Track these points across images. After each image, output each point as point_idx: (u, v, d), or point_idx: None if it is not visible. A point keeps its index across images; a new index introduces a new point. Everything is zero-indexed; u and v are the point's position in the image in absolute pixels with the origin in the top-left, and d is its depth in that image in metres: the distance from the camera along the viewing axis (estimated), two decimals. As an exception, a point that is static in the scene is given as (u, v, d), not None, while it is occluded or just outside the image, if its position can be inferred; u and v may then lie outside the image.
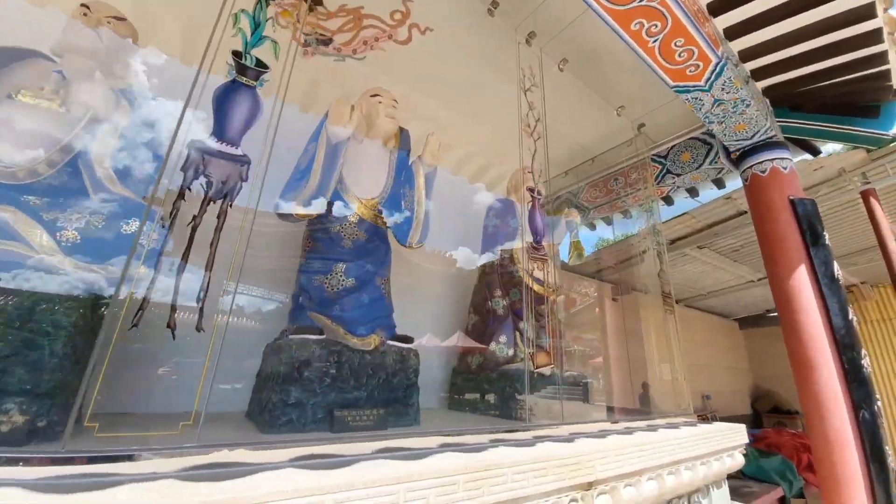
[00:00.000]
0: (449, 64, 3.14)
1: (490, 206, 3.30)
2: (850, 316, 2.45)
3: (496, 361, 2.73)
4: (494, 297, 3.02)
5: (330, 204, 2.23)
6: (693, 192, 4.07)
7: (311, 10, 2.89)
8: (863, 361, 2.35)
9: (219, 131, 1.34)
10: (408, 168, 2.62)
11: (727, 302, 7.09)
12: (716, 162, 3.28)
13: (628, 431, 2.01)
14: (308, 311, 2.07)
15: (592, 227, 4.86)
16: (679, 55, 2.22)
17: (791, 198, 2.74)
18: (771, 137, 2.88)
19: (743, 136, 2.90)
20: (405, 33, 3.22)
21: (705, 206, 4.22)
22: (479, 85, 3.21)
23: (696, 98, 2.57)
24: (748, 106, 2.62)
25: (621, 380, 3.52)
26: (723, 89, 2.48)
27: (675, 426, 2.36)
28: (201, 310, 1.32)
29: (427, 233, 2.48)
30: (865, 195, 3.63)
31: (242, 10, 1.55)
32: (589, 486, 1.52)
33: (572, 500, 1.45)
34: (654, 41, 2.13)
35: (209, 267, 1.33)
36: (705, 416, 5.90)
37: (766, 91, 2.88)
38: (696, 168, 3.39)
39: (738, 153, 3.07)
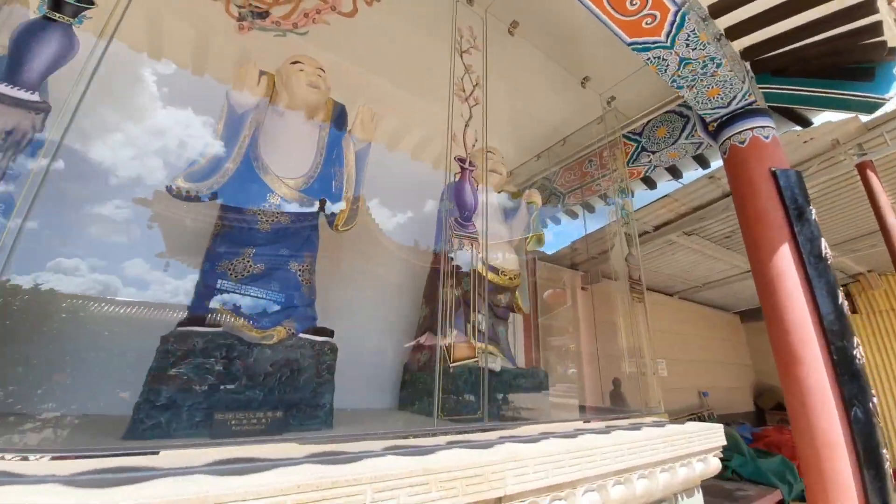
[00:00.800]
0: (396, 36, 2.89)
1: (445, 188, 3.04)
2: (841, 301, 2.13)
3: (444, 357, 2.47)
4: (445, 287, 2.76)
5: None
6: (675, 172, 3.76)
7: (240, -22, 2.66)
8: (855, 352, 2.04)
9: (9, 74, 1.10)
10: (340, 146, 2.38)
11: (725, 294, 6.71)
12: (693, 136, 2.98)
13: (571, 434, 1.73)
14: (206, 301, 1.83)
15: (573, 214, 4.57)
16: (630, 3, 1.94)
17: (773, 169, 2.43)
18: (750, 104, 2.58)
19: (718, 102, 2.60)
20: (349, 5, 2.98)
21: (688, 188, 3.90)
22: (433, 60, 2.97)
23: (659, 58, 2.29)
24: (719, 66, 2.32)
25: (592, 375, 3.23)
26: (687, 45, 2.19)
27: (637, 427, 2.07)
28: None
29: (356, 215, 2.23)
30: (862, 168, 3.27)
31: None
32: (497, 502, 1.25)
33: (475, 521, 1.18)
34: (601, -13, 1.86)
35: None
36: (701, 415, 5.55)
37: (745, 53, 2.59)
38: (673, 144, 3.09)
39: (715, 124, 2.76)
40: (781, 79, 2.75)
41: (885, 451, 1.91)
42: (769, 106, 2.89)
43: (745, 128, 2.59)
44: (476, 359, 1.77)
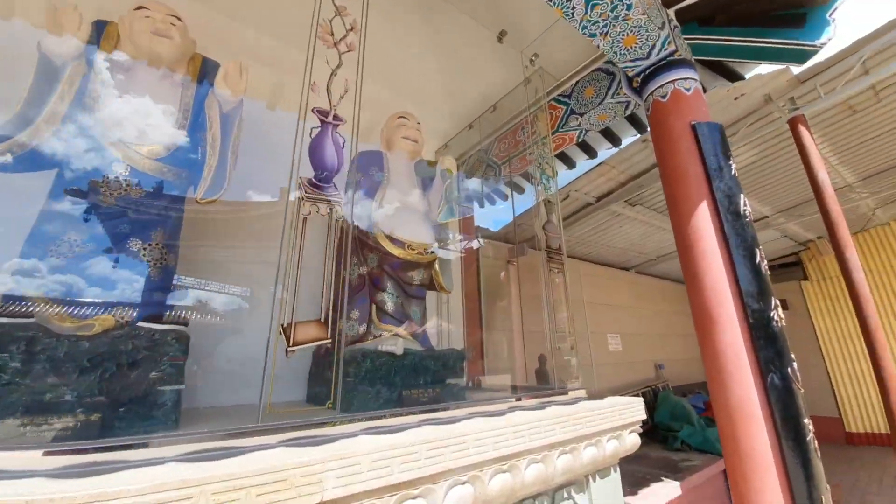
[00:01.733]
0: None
1: (353, 159, 2.75)
2: (759, 260, 1.98)
3: (348, 341, 2.23)
4: (350, 266, 2.51)
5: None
6: (613, 138, 3.57)
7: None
8: (773, 314, 1.89)
9: None
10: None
11: (679, 267, 6.69)
12: (618, 94, 2.77)
13: (449, 420, 1.53)
14: (22, 286, 1.53)
15: (518, 188, 4.36)
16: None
17: (692, 123, 2.24)
18: (671, 54, 2.37)
19: (637, 53, 2.38)
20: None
21: (623, 153, 3.71)
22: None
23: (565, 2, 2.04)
24: (629, 7, 2.10)
25: (519, 353, 3.06)
26: None
27: (543, 406, 1.88)
28: None
29: (223, 184, 1.94)
30: (793, 123, 3.14)
31: None
32: None
33: (273, 536, 0.96)
34: None
35: None
36: (655, 387, 5.54)
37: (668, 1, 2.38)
38: (600, 104, 2.87)
39: (638, 79, 2.55)
40: (708, 29, 2.56)
41: (807, 420, 1.78)
42: (697, 60, 2.70)
43: (666, 80, 2.38)
44: (328, 340, 1.54)
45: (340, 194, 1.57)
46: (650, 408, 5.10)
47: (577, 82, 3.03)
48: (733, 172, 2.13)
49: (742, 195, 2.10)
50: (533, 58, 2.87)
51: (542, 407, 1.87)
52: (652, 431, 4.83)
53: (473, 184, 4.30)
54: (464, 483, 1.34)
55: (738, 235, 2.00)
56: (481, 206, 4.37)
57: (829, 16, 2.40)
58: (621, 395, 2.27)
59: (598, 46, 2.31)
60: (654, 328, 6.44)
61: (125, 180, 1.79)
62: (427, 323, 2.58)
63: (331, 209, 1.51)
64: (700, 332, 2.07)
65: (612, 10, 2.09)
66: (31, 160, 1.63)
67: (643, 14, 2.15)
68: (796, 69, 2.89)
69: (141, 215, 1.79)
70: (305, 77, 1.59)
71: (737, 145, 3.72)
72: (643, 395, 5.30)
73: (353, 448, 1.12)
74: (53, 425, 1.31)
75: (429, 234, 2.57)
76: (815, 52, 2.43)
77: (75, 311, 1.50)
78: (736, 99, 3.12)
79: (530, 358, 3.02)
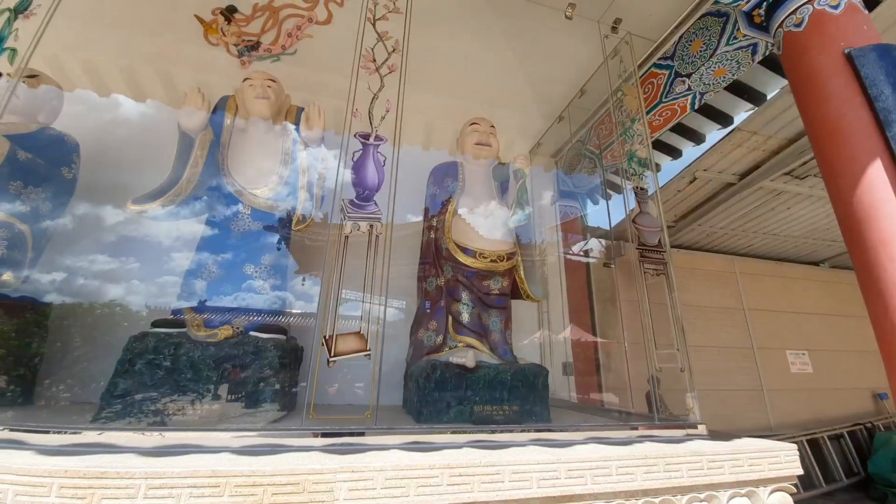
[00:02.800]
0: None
1: (431, 171, 2.85)
2: None
3: (422, 351, 2.30)
4: (429, 277, 2.56)
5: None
6: (752, 95, 2.75)
7: (228, 21, 3.00)
8: None
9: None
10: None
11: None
12: (736, 37, 2.10)
13: (499, 445, 1.39)
14: (181, 301, 2.08)
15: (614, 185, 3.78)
16: None
17: (847, 50, 1.55)
18: (808, -38, 1.71)
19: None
20: (324, 13, 3.08)
21: (766, 113, 2.70)
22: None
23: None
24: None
25: (624, 370, 2.55)
26: None
27: (630, 442, 1.54)
28: None
29: (312, 211, 2.25)
30: None
31: None
32: None
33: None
34: None
35: None
36: (874, 425, 3.86)
37: None
38: (711, 56, 2.23)
39: (761, 11, 1.93)
40: None
41: None
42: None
43: (799, 3, 1.72)
44: (367, 352, 1.57)
45: (381, 210, 1.63)
46: (862, 453, 3.61)
47: (680, 38, 2.45)
48: (939, 109, 1.38)
49: (962, 142, 1.34)
50: (615, 25, 2.46)
51: (629, 442, 1.54)
52: (865, 485, 3.40)
53: (576, 180, 3.91)
54: (498, 520, 1.20)
55: (954, 206, 1.28)
56: (594, 202, 3.91)
57: None
58: (789, 437, 1.68)
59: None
60: (869, 343, 4.52)
61: (247, 217, 2.26)
62: (509, 333, 2.44)
63: (371, 226, 1.59)
64: (884, 346, 1.40)
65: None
66: (178, 203, 2.20)
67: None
68: None
69: (254, 244, 2.23)
70: (348, 104, 1.73)
71: None
72: (852, 435, 3.79)
73: (369, 463, 1.13)
74: (196, 411, 1.73)
75: (503, 242, 2.44)
76: None
77: (209, 322, 1.96)
78: None
79: (640, 377, 2.53)
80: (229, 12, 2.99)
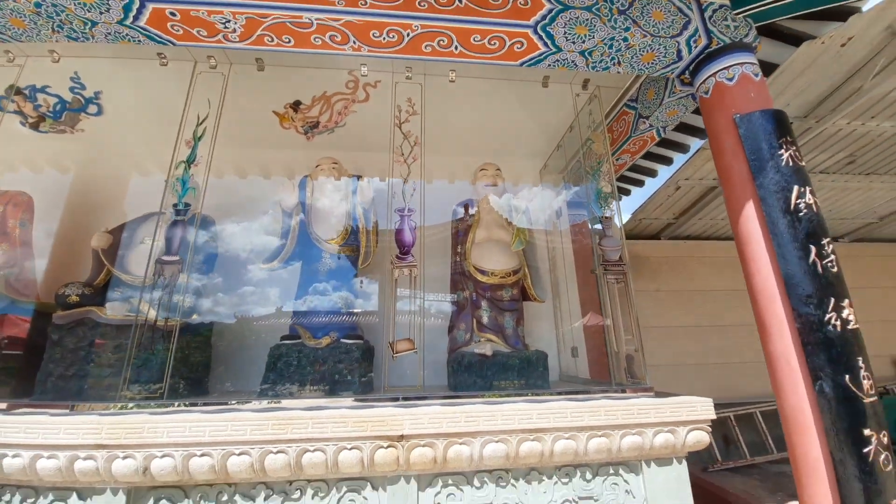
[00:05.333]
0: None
1: (454, 209, 3.72)
2: (813, 258, 1.83)
3: (455, 346, 3.21)
4: (458, 290, 3.45)
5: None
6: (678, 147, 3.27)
7: (296, 111, 4.09)
8: (828, 316, 1.76)
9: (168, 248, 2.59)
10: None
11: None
12: (674, 92, 2.69)
13: (496, 403, 2.26)
14: (294, 319, 3.17)
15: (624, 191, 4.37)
16: (489, 41, 2.28)
17: (735, 116, 2.16)
18: (706, 48, 2.31)
19: (664, 62, 2.41)
20: (362, 94, 4.05)
21: None
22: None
23: (557, 62, 2.42)
24: (626, 39, 2.27)
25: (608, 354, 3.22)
26: (568, 38, 2.27)
27: (587, 399, 2.32)
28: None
29: (369, 256, 3.23)
30: None
31: (177, 178, 2.76)
32: (399, 438, 2.02)
33: (382, 448, 1.99)
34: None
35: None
36: (889, 389, 4.09)
37: None
38: (660, 104, 2.83)
39: (687, 75, 2.54)
40: (769, -8, 2.30)
41: (868, 431, 1.62)
42: (765, 25, 2.43)
43: (706, 75, 2.31)
44: (413, 349, 2.49)
45: (415, 259, 2.54)
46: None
47: (640, 86, 3.06)
48: (786, 163, 1.98)
49: (798, 187, 1.94)
50: (585, 83, 3.13)
51: (586, 399, 2.33)
52: None
53: (579, 191, 4.54)
54: (496, 442, 2.08)
55: (784, 234, 1.91)
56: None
57: None
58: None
59: (619, 73, 2.51)
60: (888, 312, 4.60)
61: (328, 258, 3.31)
62: (521, 328, 3.26)
63: (409, 271, 2.51)
64: (761, 337, 2.05)
65: (609, 48, 2.31)
66: (287, 260, 3.28)
67: (645, 36, 2.26)
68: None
69: (337, 277, 3.26)
70: (388, 190, 2.66)
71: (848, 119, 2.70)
72: None
73: (422, 408, 2.07)
74: (313, 392, 2.79)
75: (509, 262, 3.25)
76: None
77: (315, 334, 3.02)
78: (843, 45, 2.38)
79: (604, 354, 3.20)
80: (296, 105, 4.08)
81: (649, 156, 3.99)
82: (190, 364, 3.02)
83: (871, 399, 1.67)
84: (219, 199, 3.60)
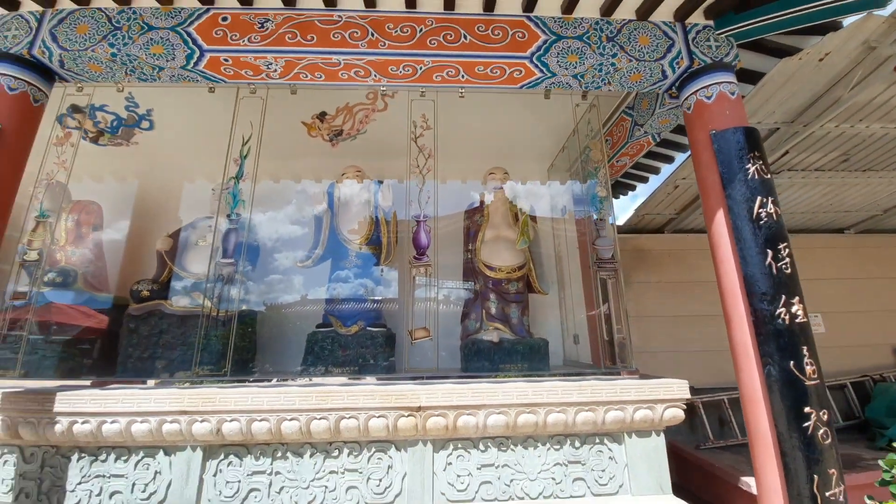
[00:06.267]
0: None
1: (465, 210, 4.08)
2: (769, 261, 2.12)
3: (467, 333, 3.62)
4: (469, 283, 3.84)
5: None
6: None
7: (322, 120, 4.50)
8: (779, 311, 2.06)
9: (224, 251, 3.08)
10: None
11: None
12: (664, 103, 2.94)
13: (499, 382, 2.66)
14: (327, 310, 3.64)
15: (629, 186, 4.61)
16: (491, 69, 2.60)
17: (711, 132, 2.43)
18: (689, 68, 2.56)
19: (651, 81, 2.66)
20: (381, 104, 4.42)
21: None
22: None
23: (553, 84, 2.70)
24: (614, 66, 2.54)
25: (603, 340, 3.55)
26: (561, 65, 2.56)
27: (577, 380, 2.69)
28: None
29: (390, 254, 3.65)
30: None
31: (228, 192, 3.20)
32: (417, 409, 2.45)
33: (403, 417, 2.43)
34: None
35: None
36: (884, 377, 4.25)
37: (679, 12, 2.56)
38: (653, 114, 3.08)
39: (675, 90, 2.79)
40: (746, 14, 2.52)
41: (809, 409, 1.94)
42: (746, 45, 2.66)
43: (688, 93, 2.56)
44: (429, 336, 2.90)
45: (430, 259, 2.94)
46: (866, 401, 4.11)
47: (636, 95, 3.30)
48: (752, 176, 2.25)
49: (761, 197, 2.22)
50: (584, 94, 3.39)
51: (575, 380, 2.70)
52: (863, 427, 3.95)
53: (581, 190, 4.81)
54: (498, 413, 2.48)
55: (747, 239, 2.19)
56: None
57: None
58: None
59: (610, 91, 2.79)
60: (890, 302, 4.68)
61: (354, 255, 3.75)
62: (526, 318, 3.63)
63: (426, 270, 2.91)
64: (727, 328, 2.35)
65: (599, 71, 2.59)
66: (319, 259, 3.74)
67: (631, 61, 2.52)
68: (881, 11, 2.23)
69: (362, 273, 3.70)
70: (406, 199, 3.04)
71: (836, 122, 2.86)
72: (859, 385, 4.25)
73: (436, 386, 2.49)
74: (343, 371, 3.26)
75: (514, 258, 3.60)
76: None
77: (345, 323, 3.48)
78: (821, 60, 2.54)
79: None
80: (322, 116, 4.48)
81: (651, 154, 4.21)
82: (238, 348, 3.54)
83: (814, 382, 1.98)
84: (259, 203, 4.08)
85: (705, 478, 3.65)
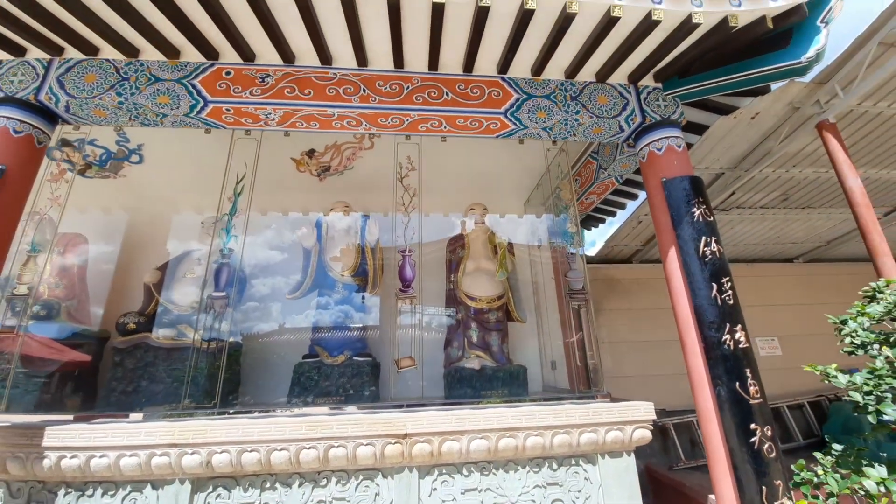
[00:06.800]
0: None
1: (447, 241, 4.32)
2: (714, 293, 2.41)
3: (450, 361, 3.77)
4: (451, 311, 4.04)
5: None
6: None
7: (310, 157, 4.73)
8: (724, 338, 2.33)
9: (216, 284, 3.18)
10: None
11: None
12: (623, 151, 3.32)
13: (481, 406, 2.81)
14: (313, 340, 3.74)
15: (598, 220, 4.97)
16: (470, 121, 2.91)
17: (662, 179, 2.77)
18: (641, 124, 2.93)
19: (609, 133, 3.03)
20: (368, 142, 4.69)
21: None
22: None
23: (528, 135, 3.04)
24: (578, 122, 2.89)
25: (575, 365, 3.78)
26: (528, 114, 2.89)
27: (553, 404, 2.87)
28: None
29: (376, 285, 3.83)
30: (819, 129, 2.64)
31: (222, 228, 3.36)
32: (404, 436, 2.57)
33: (390, 444, 2.54)
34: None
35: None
36: (838, 397, 4.62)
37: (632, 76, 2.95)
38: (614, 159, 3.46)
39: (632, 140, 3.16)
40: (689, 79, 2.93)
41: (754, 426, 2.19)
42: (691, 103, 3.06)
43: (642, 145, 2.93)
44: (414, 365, 3.06)
45: (415, 291, 3.13)
46: (824, 420, 4.44)
47: (600, 143, 3.68)
48: (698, 219, 2.58)
49: (706, 237, 2.54)
50: (555, 140, 3.75)
51: (551, 404, 2.89)
52: (824, 445, 4.25)
53: (554, 225, 5.16)
54: (480, 438, 2.63)
55: (695, 274, 2.49)
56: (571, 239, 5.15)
57: (820, 22, 2.46)
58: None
59: (576, 140, 3.14)
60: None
61: (341, 286, 3.89)
62: (506, 345, 3.82)
63: (411, 301, 3.10)
64: (683, 354, 2.61)
65: (565, 125, 2.93)
66: (307, 291, 3.87)
67: (591, 117, 2.88)
68: (803, 78, 2.70)
69: (348, 303, 3.84)
70: (392, 230, 3.26)
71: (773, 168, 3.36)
72: (816, 404, 4.59)
73: (421, 413, 2.62)
74: (329, 401, 3.34)
75: (494, 289, 3.84)
76: (808, 68, 2.52)
77: (331, 353, 3.59)
78: (752, 118, 3.00)
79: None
80: (310, 153, 4.71)
81: (617, 192, 4.61)
82: (225, 380, 3.58)
83: (757, 401, 2.24)
84: (248, 235, 4.21)
85: (678, 497, 3.83)
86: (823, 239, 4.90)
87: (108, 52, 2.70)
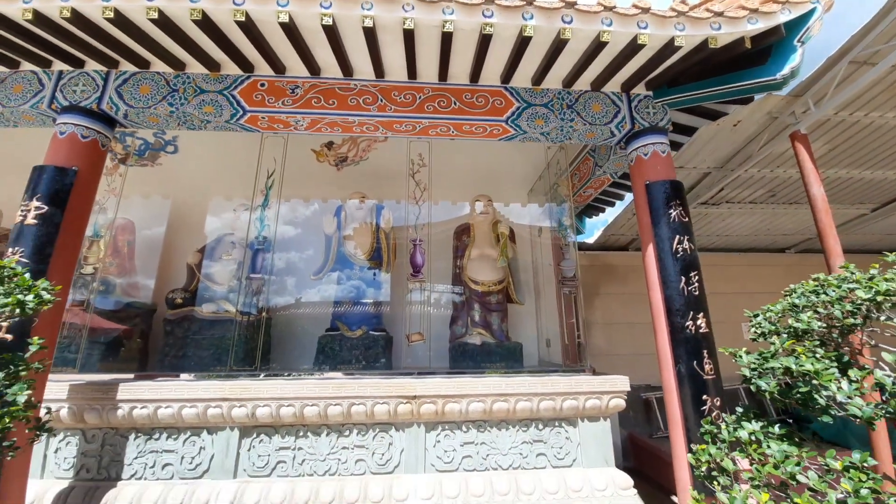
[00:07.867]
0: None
1: (455, 230, 4.72)
2: (683, 285, 2.79)
3: (455, 337, 4.25)
4: (456, 294, 4.48)
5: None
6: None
7: (329, 148, 5.11)
8: (687, 324, 2.73)
9: (252, 267, 3.66)
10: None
11: (865, 233, 5.23)
12: (615, 152, 3.62)
13: (481, 376, 3.29)
14: (334, 315, 4.24)
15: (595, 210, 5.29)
16: (476, 128, 3.24)
17: (646, 182, 3.10)
18: (631, 129, 3.23)
19: (602, 138, 3.34)
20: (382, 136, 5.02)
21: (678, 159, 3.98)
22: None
23: (526, 139, 3.36)
24: (573, 128, 3.20)
25: (568, 344, 4.22)
26: (531, 126, 3.21)
27: (541, 375, 3.33)
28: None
29: (390, 267, 4.28)
30: (792, 139, 2.87)
31: (256, 218, 3.80)
32: (413, 398, 3.07)
33: (402, 404, 3.05)
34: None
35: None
36: None
37: (625, 85, 3.23)
38: (609, 159, 3.76)
39: (622, 144, 3.46)
40: (676, 88, 3.20)
41: (706, 397, 2.61)
42: (681, 109, 3.34)
43: (631, 149, 3.24)
44: (423, 339, 3.54)
45: (424, 276, 3.57)
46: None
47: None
48: (674, 219, 2.92)
49: (679, 236, 2.89)
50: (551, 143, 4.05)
51: (540, 375, 3.34)
52: (798, 422, 4.68)
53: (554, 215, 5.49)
54: (477, 402, 3.12)
55: (668, 268, 2.86)
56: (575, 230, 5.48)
57: (797, 41, 2.71)
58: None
59: (571, 144, 3.45)
60: None
61: (358, 268, 4.36)
62: (505, 324, 4.28)
63: (420, 284, 3.54)
64: (654, 337, 3.01)
65: (561, 130, 3.25)
66: (329, 272, 4.34)
67: (585, 124, 3.19)
68: (780, 92, 2.93)
69: (364, 284, 4.32)
70: (406, 226, 3.67)
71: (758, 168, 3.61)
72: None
73: (428, 380, 3.11)
74: (350, 368, 3.87)
75: (495, 274, 4.25)
76: (782, 84, 2.79)
77: (350, 327, 4.09)
78: (735, 126, 3.24)
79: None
80: (329, 144, 5.09)
81: (614, 184, 4.90)
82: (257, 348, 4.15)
83: (710, 377, 2.65)
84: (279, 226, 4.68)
85: (654, 460, 4.33)
86: (812, 233, 5.14)
87: (158, 65, 3.09)
